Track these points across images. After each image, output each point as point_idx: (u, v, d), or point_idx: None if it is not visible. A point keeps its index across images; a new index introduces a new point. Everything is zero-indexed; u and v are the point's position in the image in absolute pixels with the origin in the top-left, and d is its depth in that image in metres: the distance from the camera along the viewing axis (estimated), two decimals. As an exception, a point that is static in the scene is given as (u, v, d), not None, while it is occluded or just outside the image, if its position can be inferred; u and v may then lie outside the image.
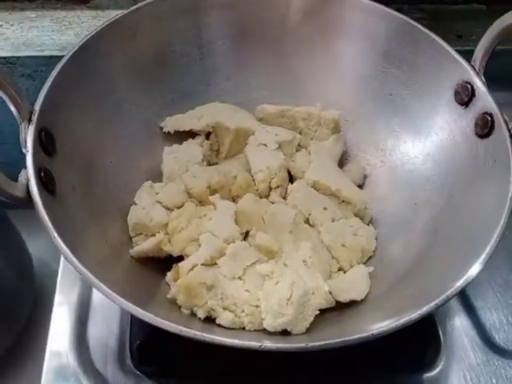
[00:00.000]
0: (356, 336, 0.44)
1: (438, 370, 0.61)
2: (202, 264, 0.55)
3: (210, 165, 0.68)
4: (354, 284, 0.57)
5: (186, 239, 0.58)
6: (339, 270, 0.60)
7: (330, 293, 0.55)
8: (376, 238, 0.63)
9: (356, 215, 0.64)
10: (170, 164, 0.65)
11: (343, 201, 0.64)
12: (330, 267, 0.60)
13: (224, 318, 0.53)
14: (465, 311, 0.65)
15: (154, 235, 0.59)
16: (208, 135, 0.70)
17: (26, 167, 0.51)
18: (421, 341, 0.62)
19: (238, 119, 0.69)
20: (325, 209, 0.62)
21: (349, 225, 0.62)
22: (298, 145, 0.69)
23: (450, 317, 0.64)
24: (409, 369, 0.62)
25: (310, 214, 0.61)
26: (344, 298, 0.56)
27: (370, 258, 0.62)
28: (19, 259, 0.77)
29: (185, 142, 0.68)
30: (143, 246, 0.59)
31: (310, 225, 0.61)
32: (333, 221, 0.61)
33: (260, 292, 0.54)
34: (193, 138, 0.69)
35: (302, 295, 0.52)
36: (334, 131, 0.69)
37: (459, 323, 0.64)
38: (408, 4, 0.82)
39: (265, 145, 0.66)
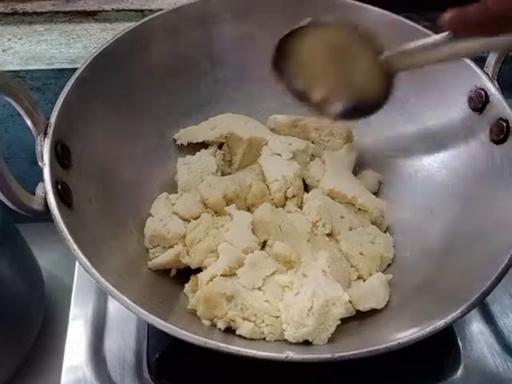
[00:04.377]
0: (382, 346, 0.44)
1: (457, 377, 0.60)
2: (221, 275, 0.55)
3: (223, 175, 0.68)
4: (373, 292, 0.57)
5: (204, 251, 0.58)
6: (358, 278, 0.60)
7: (350, 302, 0.55)
8: (394, 246, 0.62)
9: (373, 223, 0.64)
10: (185, 175, 0.65)
11: (359, 209, 0.64)
12: (349, 276, 0.59)
13: (244, 328, 0.53)
14: (482, 317, 0.65)
15: (171, 247, 0.59)
16: (220, 146, 0.70)
17: (43, 180, 0.51)
18: (439, 348, 0.62)
19: (250, 129, 0.69)
20: (342, 217, 0.62)
21: (366, 233, 0.62)
22: (311, 154, 0.69)
23: (468, 323, 0.64)
24: (428, 377, 0.61)
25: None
26: (364, 306, 0.56)
27: (388, 265, 0.62)
28: (30, 273, 0.76)
29: (198, 153, 0.68)
30: (162, 258, 0.58)
31: (327, 234, 0.61)
32: (350, 229, 0.62)
33: (280, 303, 0.54)
34: (206, 148, 0.69)
35: (322, 305, 0.52)
36: (346, 141, 0.70)
37: (477, 329, 0.64)
38: (415, 13, 0.82)
39: (279, 154, 0.66)
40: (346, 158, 0.69)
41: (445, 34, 0.48)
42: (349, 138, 0.70)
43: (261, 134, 0.69)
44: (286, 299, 0.54)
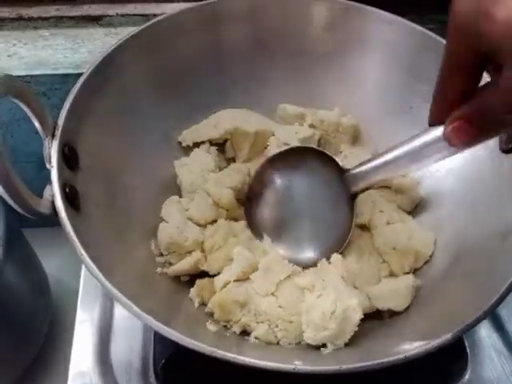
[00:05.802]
0: (389, 359, 0.44)
1: (464, 381, 0.60)
2: (234, 280, 0.55)
3: (221, 170, 0.67)
4: (395, 293, 0.56)
5: (223, 258, 0.58)
6: (390, 274, 0.59)
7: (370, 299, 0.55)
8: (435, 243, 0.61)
9: (409, 203, 0.64)
10: (186, 176, 0.64)
11: (396, 192, 0.64)
12: (379, 272, 0.59)
13: (259, 329, 0.53)
14: (490, 321, 0.65)
15: (188, 253, 0.59)
16: (224, 142, 0.69)
17: (50, 183, 0.50)
18: (447, 352, 0.61)
19: (254, 122, 0.68)
20: (381, 211, 0.62)
21: (404, 228, 0.61)
22: (319, 141, 0.69)
23: (476, 327, 0.64)
24: (435, 381, 0.61)
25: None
26: (382, 305, 0.56)
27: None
28: (35, 278, 0.76)
29: (192, 153, 0.67)
30: (180, 265, 0.58)
31: (365, 227, 0.62)
32: (388, 224, 0.61)
33: (302, 304, 0.54)
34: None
35: (344, 310, 0.52)
36: (353, 138, 0.70)
37: (485, 333, 0.64)
38: (418, 15, 0.82)
39: (287, 144, 0.65)
40: (366, 149, 0.69)
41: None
42: (356, 134, 0.70)
43: (266, 126, 0.68)
44: (308, 301, 0.54)
